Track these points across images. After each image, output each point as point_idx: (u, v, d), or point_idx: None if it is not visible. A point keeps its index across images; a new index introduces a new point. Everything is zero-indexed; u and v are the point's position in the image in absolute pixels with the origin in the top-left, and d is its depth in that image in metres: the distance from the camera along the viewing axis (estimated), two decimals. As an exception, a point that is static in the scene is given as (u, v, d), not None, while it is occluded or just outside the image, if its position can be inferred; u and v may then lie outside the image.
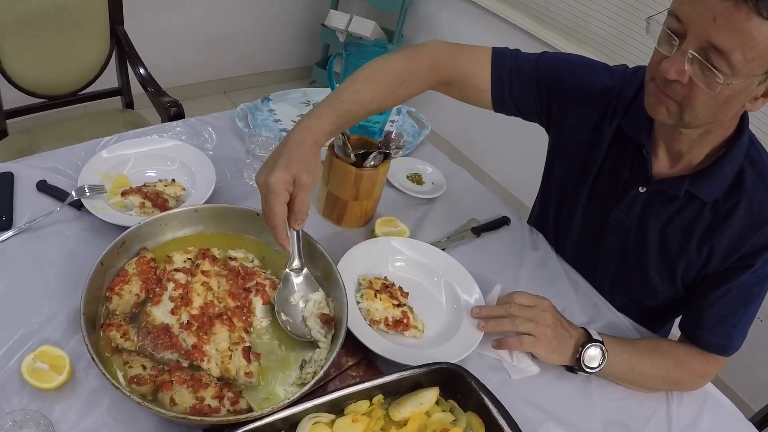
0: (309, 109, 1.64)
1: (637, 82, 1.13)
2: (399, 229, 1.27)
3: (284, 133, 1.45)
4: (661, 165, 1.13)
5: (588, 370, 1.06)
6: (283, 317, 0.97)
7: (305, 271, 0.99)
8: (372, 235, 1.25)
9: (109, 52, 2.07)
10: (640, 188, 1.15)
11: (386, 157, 1.23)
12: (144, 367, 0.88)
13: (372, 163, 1.20)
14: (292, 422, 0.82)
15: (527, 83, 1.18)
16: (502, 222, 1.41)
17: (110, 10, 2.00)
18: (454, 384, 0.92)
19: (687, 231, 1.12)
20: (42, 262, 1.04)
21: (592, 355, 1.05)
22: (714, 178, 1.06)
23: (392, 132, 1.24)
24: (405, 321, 1.06)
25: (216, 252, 1.06)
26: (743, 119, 1.04)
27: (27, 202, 1.14)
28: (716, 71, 0.85)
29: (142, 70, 2.08)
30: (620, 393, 1.11)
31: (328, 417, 0.84)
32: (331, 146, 1.23)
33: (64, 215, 1.13)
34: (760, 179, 1.05)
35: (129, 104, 2.24)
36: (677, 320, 1.26)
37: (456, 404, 0.93)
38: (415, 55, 1.15)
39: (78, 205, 1.14)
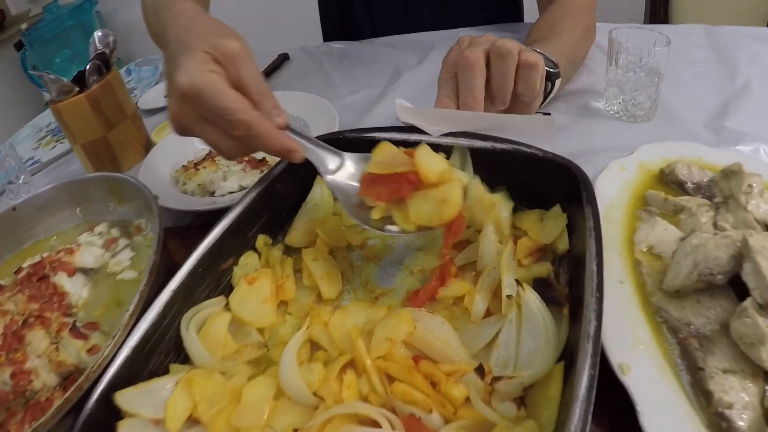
0: (43, 136, 1.39)
1: None
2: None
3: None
4: None
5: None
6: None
7: (347, 158, 0.59)
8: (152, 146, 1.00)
9: None
10: None
11: (107, 65, 0.95)
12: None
13: (94, 78, 0.93)
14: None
15: None
16: (282, 60, 1.24)
17: None
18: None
19: None
20: None
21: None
22: None
23: (98, 35, 0.97)
24: None
25: (2, 281, 0.77)
26: None
27: None
28: None
29: None
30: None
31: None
32: (51, 101, 0.95)
33: None
34: None
35: None
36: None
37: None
38: None
39: None
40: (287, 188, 0.65)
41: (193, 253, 0.54)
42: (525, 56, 0.64)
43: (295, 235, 0.63)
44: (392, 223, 0.55)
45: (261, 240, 0.63)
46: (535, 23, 0.96)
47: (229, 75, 0.54)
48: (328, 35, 1.37)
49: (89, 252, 0.74)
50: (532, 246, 0.56)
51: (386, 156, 0.55)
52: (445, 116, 0.63)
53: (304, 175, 0.66)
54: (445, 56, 0.69)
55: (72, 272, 0.72)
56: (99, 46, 0.97)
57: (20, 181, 1.04)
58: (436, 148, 0.55)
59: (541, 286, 0.53)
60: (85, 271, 0.73)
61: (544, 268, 0.55)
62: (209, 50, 0.54)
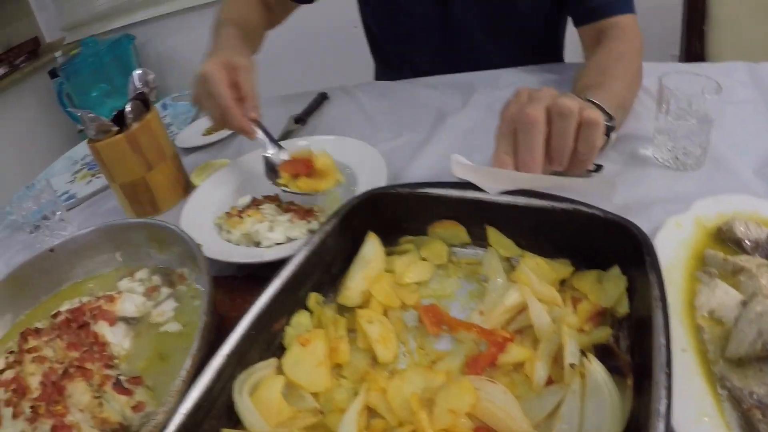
0: (78, 169, 1.39)
1: None
2: (218, 162, 1.02)
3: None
4: None
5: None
6: None
7: (285, 150, 0.89)
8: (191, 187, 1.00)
9: None
10: None
11: (146, 105, 0.95)
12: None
13: (132, 116, 0.92)
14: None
15: None
16: (321, 99, 1.22)
17: None
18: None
19: None
20: None
21: None
22: None
23: (137, 74, 0.96)
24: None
25: (40, 324, 0.75)
26: None
27: None
28: None
29: None
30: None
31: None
32: (89, 140, 0.94)
33: None
34: None
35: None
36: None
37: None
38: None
39: None
40: (339, 243, 0.64)
41: (247, 315, 0.53)
42: (587, 114, 0.62)
43: (349, 294, 0.61)
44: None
45: (313, 298, 0.62)
46: (584, 67, 0.93)
47: (231, 77, 0.85)
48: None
49: (130, 300, 0.72)
50: (592, 310, 0.55)
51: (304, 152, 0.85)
52: (504, 176, 0.62)
53: (355, 229, 0.65)
54: (503, 109, 0.67)
55: (113, 321, 0.70)
56: (138, 85, 0.97)
57: (56, 218, 1.03)
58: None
59: (602, 353, 0.51)
60: (127, 321, 0.71)
61: (604, 334, 0.53)
62: (224, 59, 0.86)
